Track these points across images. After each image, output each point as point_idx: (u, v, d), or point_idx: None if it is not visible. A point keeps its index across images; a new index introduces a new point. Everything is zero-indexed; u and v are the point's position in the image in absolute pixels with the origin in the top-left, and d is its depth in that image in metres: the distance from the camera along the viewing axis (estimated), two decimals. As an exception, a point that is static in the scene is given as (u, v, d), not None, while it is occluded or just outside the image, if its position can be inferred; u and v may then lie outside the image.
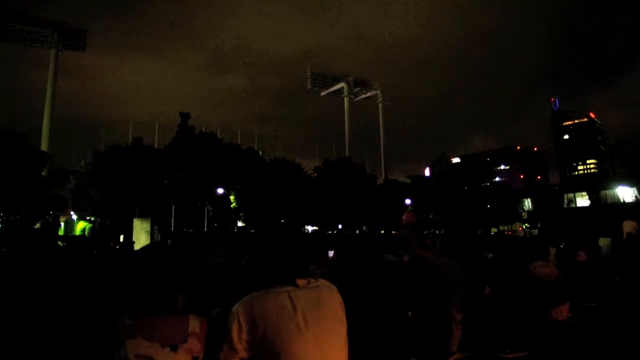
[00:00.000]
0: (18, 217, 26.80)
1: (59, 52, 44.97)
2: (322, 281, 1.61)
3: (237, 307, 1.45)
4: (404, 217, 3.23)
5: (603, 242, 6.95)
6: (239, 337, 1.41)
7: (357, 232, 40.45)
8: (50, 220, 30.32)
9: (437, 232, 38.95)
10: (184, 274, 1.53)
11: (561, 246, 9.12)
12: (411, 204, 41.48)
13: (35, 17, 44.65)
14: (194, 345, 1.41)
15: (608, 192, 47.13)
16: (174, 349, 1.36)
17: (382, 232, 39.09)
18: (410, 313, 3.07)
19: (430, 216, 43.69)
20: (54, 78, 44.78)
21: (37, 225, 28.51)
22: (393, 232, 35.15)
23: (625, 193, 45.31)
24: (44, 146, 38.68)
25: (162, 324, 1.39)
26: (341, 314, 1.59)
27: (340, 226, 39.41)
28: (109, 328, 1.34)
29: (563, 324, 3.19)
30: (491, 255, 5.35)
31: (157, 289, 1.44)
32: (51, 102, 44.05)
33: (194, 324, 1.44)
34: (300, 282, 1.54)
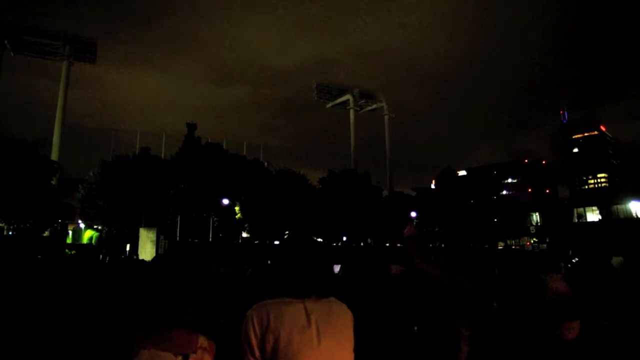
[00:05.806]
0: (28, 225, 27.10)
1: (71, 64, 46.03)
2: (333, 298, 1.63)
3: (252, 312, 1.48)
4: (405, 231, 3.19)
5: (615, 261, 6.80)
6: (253, 341, 1.45)
7: (362, 244, 40.18)
8: (58, 228, 30.61)
9: (442, 245, 38.48)
10: (196, 287, 1.59)
11: (573, 261, 8.96)
12: (416, 217, 41.18)
13: (49, 30, 45.95)
14: (205, 357, 1.47)
15: (620, 206, 46.35)
16: (186, 358, 1.42)
17: (387, 244, 38.78)
18: (415, 328, 3.03)
19: (436, 229, 43.29)
20: (65, 89, 45.79)
21: (46, 234, 28.80)
22: (398, 244, 34.84)
23: (638, 208, 44.52)
24: (54, 155, 39.26)
25: (174, 336, 1.45)
26: (350, 329, 1.60)
27: (344, 238, 39.20)
28: (121, 339, 1.38)
29: (572, 342, 3.12)
30: (497, 270, 5.26)
31: (172, 302, 1.49)
32: (62, 112, 44.92)
33: (203, 341, 1.51)
34: (315, 298, 1.55)
